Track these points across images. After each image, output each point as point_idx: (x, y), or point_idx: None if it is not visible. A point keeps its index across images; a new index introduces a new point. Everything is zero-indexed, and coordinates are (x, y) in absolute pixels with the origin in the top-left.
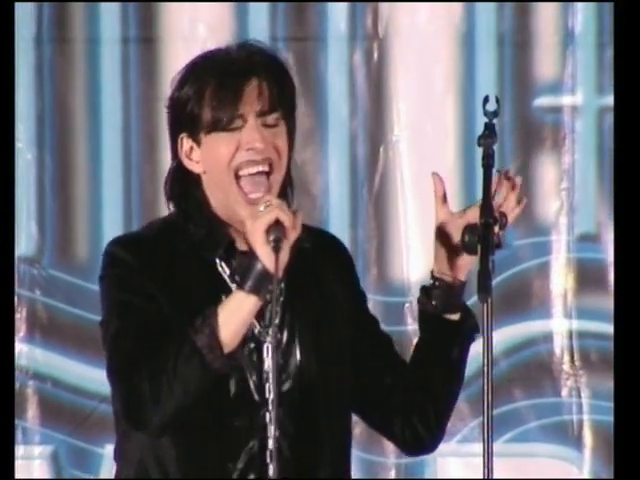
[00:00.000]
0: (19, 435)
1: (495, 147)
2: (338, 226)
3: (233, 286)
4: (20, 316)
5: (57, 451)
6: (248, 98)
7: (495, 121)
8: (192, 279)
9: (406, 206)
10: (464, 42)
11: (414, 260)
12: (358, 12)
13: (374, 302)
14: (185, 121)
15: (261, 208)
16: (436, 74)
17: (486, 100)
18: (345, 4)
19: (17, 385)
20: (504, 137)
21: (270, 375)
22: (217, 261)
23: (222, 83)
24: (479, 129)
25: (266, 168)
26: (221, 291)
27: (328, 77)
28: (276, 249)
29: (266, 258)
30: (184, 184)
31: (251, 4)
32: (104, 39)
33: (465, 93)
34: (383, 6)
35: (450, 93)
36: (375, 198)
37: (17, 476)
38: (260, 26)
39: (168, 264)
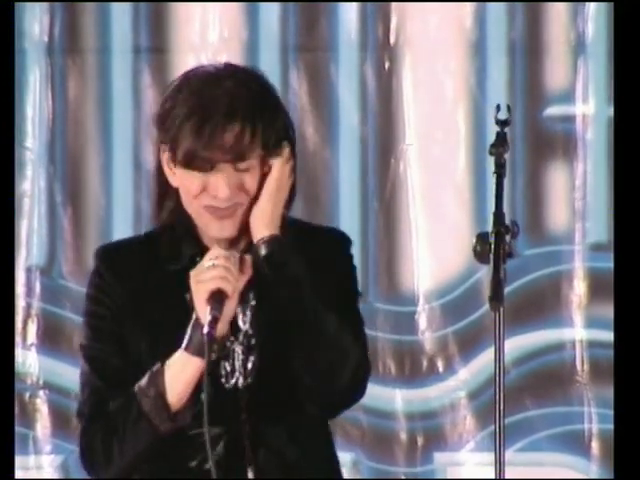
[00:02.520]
0: (30, 445)
1: (506, 156)
2: (348, 235)
3: None
4: (30, 326)
5: (67, 461)
6: (223, 145)
7: (506, 130)
8: (158, 288)
9: (417, 215)
10: (475, 51)
11: (424, 269)
12: (369, 21)
13: (385, 311)
14: (167, 139)
15: (206, 265)
16: (447, 83)
17: (497, 109)
18: (356, 13)
19: (27, 395)
20: (515, 146)
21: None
22: (182, 271)
23: (201, 125)
24: (490, 138)
25: (231, 211)
26: (182, 300)
27: (339, 86)
28: (212, 325)
29: (207, 324)
30: (166, 186)
31: (262, 14)
32: (115, 49)
33: (476, 102)
34: (394, 15)
35: (461, 102)
36: (386, 207)
37: None
38: (271, 35)
39: (141, 275)
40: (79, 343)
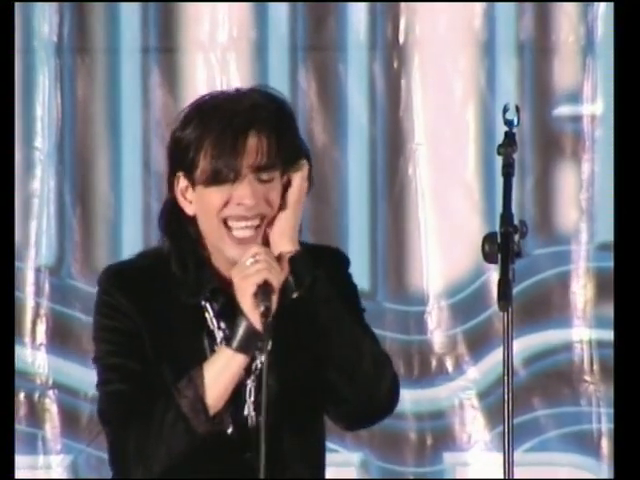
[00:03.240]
0: (39, 445)
1: (515, 156)
2: (357, 235)
3: (215, 328)
4: (39, 326)
5: (76, 461)
6: (246, 154)
7: (515, 130)
8: (175, 317)
9: (425, 215)
10: (484, 51)
11: (433, 269)
12: (378, 21)
13: (393, 311)
14: (184, 163)
15: (248, 262)
16: (456, 83)
17: (506, 109)
18: (365, 13)
19: (36, 395)
20: (524, 146)
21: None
22: (202, 302)
23: (223, 136)
24: (499, 138)
25: (256, 222)
26: (203, 331)
27: (348, 86)
28: (266, 315)
29: (255, 320)
30: (178, 220)
31: (271, 14)
32: (124, 49)
33: (485, 102)
34: (403, 15)
35: (470, 102)
36: (395, 207)
37: None
38: (280, 35)
39: (153, 299)
40: (92, 358)
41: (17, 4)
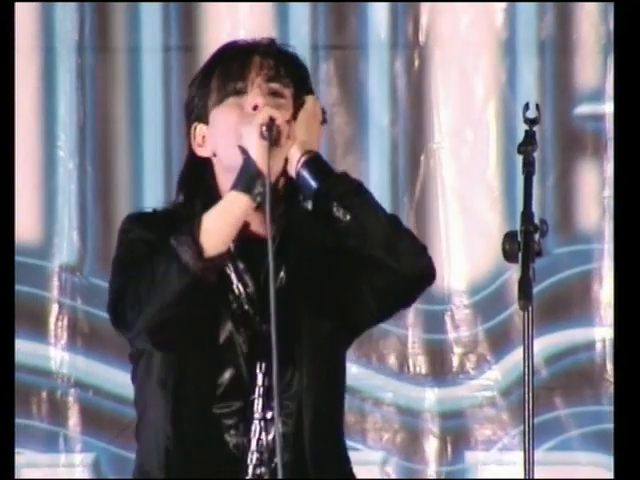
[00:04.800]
0: (61, 443)
1: (535, 155)
2: None
3: (235, 280)
4: (61, 324)
5: (99, 459)
6: (254, 68)
7: (535, 129)
8: None
9: (447, 214)
10: (505, 49)
11: (454, 268)
12: (399, 20)
13: (415, 310)
14: (195, 106)
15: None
16: (477, 82)
17: (526, 108)
18: (386, 12)
19: (58, 393)
20: (545, 145)
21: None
22: None
23: (229, 60)
24: (520, 137)
25: (272, 119)
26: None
27: (369, 85)
28: (269, 136)
29: (259, 156)
30: (195, 171)
31: (292, 12)
32: (145, 47)
33: (506, 101)
34: (424, 14)
35: (491, 101)
36: (416, 206)
37: None
38: (301, 34)
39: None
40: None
41: (38, 4)
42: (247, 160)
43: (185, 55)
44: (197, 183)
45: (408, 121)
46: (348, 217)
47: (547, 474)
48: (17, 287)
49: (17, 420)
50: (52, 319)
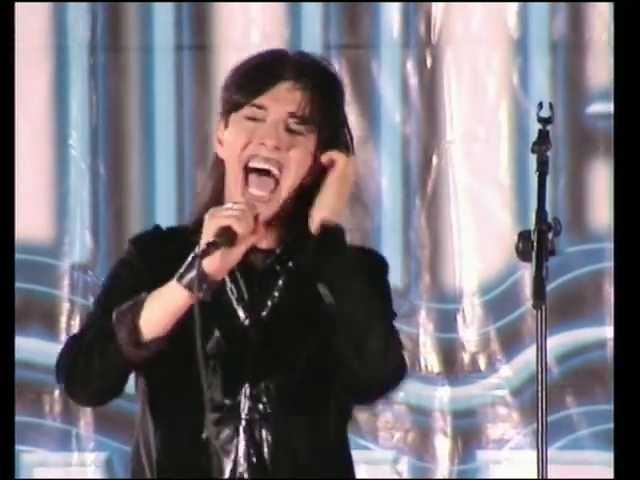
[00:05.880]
0: (73, 442)
1: (549, 154)
2: (390, 233)
3: (233, 299)
4: (73, 323)
5: (111, 458)
6: (279, 94)
7: (549, 128)
8: None
9: (459, 213)
10: (517, 49)
11: (466, 266)
12: (411, 19)
13: (427, 309)
14: (223, 102)
15: (227, 205)
16: (489, 81)
17: (540, 106)
18: (398, 11)
19: None
20: (557, 144)
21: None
22: None
23: (258, 70)
24: (532, 136)
25: (274, 169)
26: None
27: (381, 84)
28: (205, 252)
29: (207, 261)
30: (215, 173)
31: (304, 11)
32: (157, 47)
33: (518, 100)
34: (436, 13)
35: (503, 100)
36: (428, 205)
37: None
38: (313, 33)
39: (170, 263)
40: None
41: (51, 4)
42: (194, 257)
43: (197, 54)
44: (209, 189)
45: (420, 120)
46: (330, 301)
47: (558, 473)
48: (29, 286)
49: (29, 419)
50: (64, 318)
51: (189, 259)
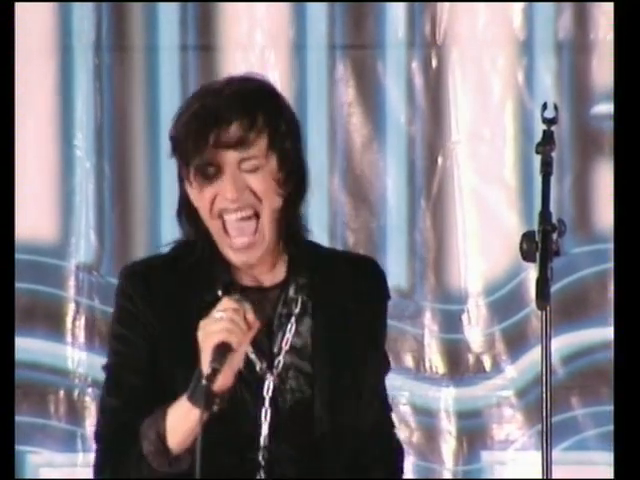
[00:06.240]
0: (78, 443)
1: (553, 154)
2: (395, 233)
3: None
4: (79, 324)
5: None
6: (225, 142)
7: (553, 128)
8: (194, 316)
9: (464, 213)
10: (522, 49)
11: (471, 267)
12: (416, 19)
13: (431, 309)
14: (181, 156)
15: (216, 315)
16: (494, 81)
17: (544, 107)
18: (403, 11)
19: (76, 393)
20: (562, 144)
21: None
22: (219, 294)
23: (201, 131)
24: (537, 136)
25: (248, 213)
26: None
27: (386, 84)
28: (211, 379)
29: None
30: (190, 211)
31: (309, 11)
32: (163, 47)
33: (523, 100)
34: (441, 13)
35: (508, 100)
36: (433, 205)
37: None
38: (318, 33)
39: (172, 299)
40: (102, 364)
41: (56, 4)
42: (199, 374)
43: (202, 54)
44: (192, 226)
45: (425, 121)
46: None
47: (563, 474)
48: (34, 287)
49: (35, 420)
50: (69, 318)
51: (195, 377)
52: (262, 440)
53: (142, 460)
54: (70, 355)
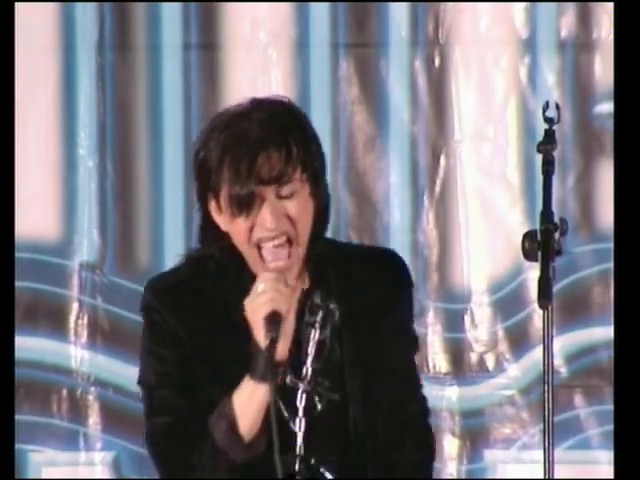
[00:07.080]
0: (81, 441)
1: (555, 153)
2: (399, 232)
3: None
4: (82, 322)
5: (119, 457)
6: (261, 175)
7: (555, 127)
8: (224, 332)
9: (467, 212)
10: (525, 48)
11: (474, 266)
12: (419, 18)
13: (434, 309)
14: (209, 186)
15: (259, 288)
16: (497, 80)
17: (546, 106)
18: (406, 10)
19: (79, 391)
20: (565, 143)
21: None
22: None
23: (236, 160)
24: (540, 135)
25: (282, 240)
26: (247, 341)
27: (389, 83)
28: (271, 349)
29: (270, 348)
30: (215, 232)
31: (312, 10)
32: (165, 45)
33: (526, 99)
34: (444, 12)
35: (511, 99)
36: (436, 204)
37: None
38: (321, 32)
39: (201, 316)
40: (138, 379)
41: (58, 3)
42: (256, 349)
43: (205, 53)
44: (219, 246)
45: (428, 119)
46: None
47: (566, 473)
48: (37, 285)
49: (37, 418)
50: (72, 317)
51: (254, 354)
52: (297, 449)
53: (218, 455)
54: (73, 354)
